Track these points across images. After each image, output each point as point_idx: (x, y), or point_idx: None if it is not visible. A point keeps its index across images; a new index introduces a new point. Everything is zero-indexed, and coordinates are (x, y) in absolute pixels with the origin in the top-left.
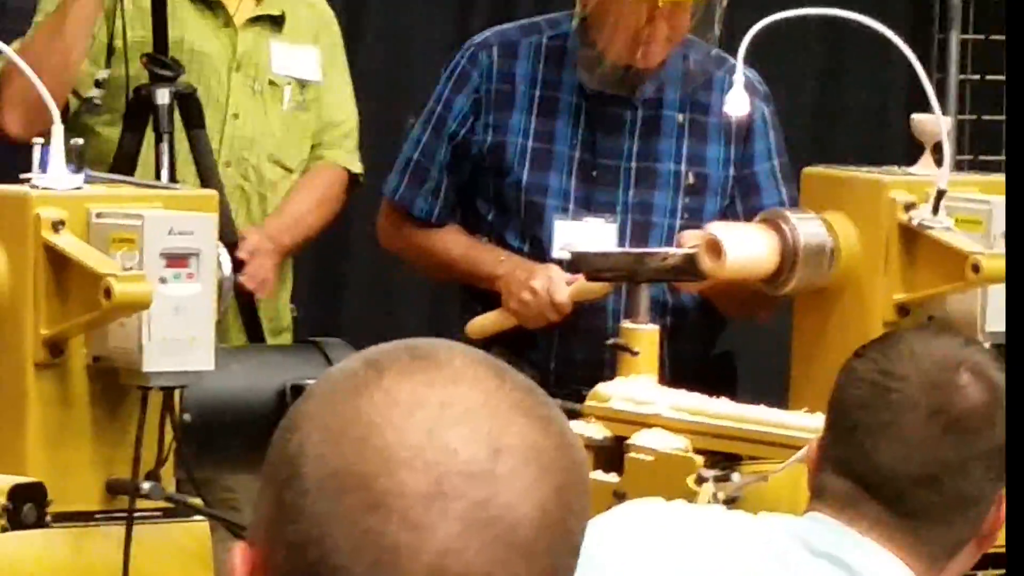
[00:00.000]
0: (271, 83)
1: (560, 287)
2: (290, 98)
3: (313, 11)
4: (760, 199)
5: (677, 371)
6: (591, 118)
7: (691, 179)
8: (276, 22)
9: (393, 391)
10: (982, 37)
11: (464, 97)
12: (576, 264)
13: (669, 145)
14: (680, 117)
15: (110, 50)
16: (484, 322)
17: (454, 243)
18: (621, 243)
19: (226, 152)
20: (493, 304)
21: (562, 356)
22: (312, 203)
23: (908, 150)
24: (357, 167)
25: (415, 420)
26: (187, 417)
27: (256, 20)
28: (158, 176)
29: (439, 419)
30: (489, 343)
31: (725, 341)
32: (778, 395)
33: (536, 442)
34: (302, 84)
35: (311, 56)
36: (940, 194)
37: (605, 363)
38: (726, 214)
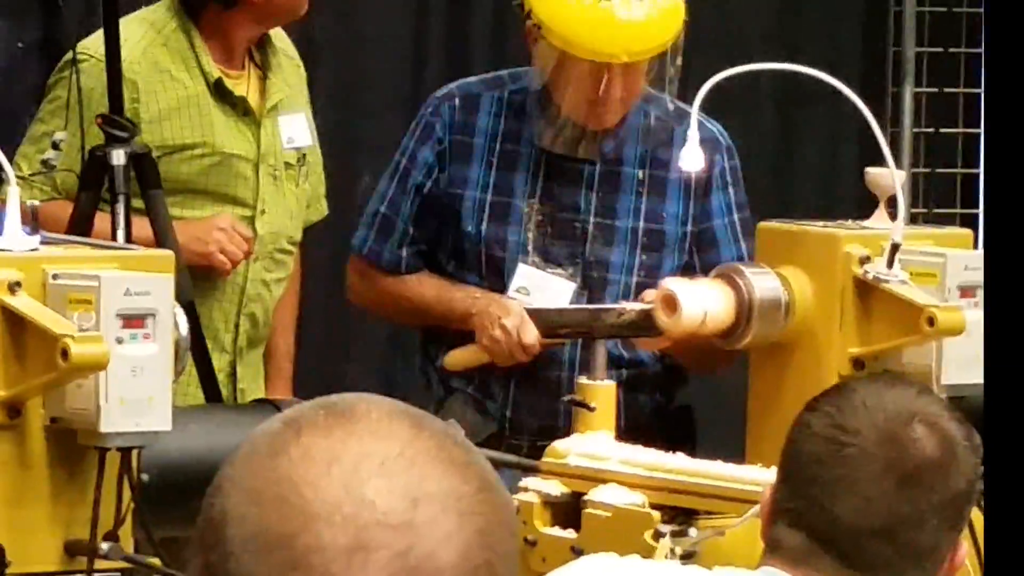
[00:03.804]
0: (286, 164)
1: (530, 328)
2: (301, 173)
3: (292, 64)
4: (718, 254)
5: (633, 422)
6: (550, 171)
7: (647, 237)
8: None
9: (310, 448)
10: (936, 90)
11: (428, 149)
12: (534, 322)
13: (628, 201)
14: (640, 173)
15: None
16: (460, 356)
17: (427, 286)
18: (579, 299)
19: (256, 249)
20: (453, 345)
21: (518, 404)
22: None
23: (862, 204)
24: (324, 211)
25: (332, 476)
26: (145, 477)
27: (270, 110)
28: (114, 237)
29: (356, 473)
30: (450, 390)
31: (685, 395)
32: (738, 450)
33: (455, 488)
34: (304, 154)
35: (303, 121)
36: (895, 247)
37: (560, 412)
38: (685, 271)
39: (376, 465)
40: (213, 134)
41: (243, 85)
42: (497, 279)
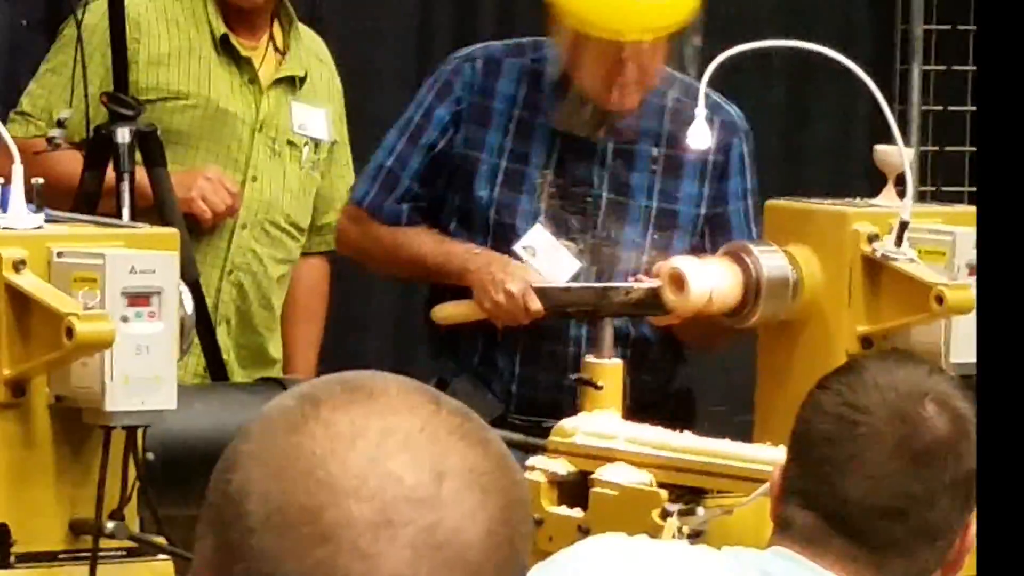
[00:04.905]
0: (290, 143)
1: (535, 295)
2: (307, 157)
3: (326, 70)
4: (730, 238)
5: (638, 403)
6: (566, 144)
7: (661, 216)
8: (296, 82)
9: (332, 423)
10: (944, 68)
11: (445, 108)
12: (539, 299)
13: (642, 179)
14: (656, 152)
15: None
16: (451, 310)
17: (424, 237)
18: (585, 276)
19: (243, 214)
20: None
21: (524, 379)
22: (317, 335)
23: (871, 181)
24: None
25: (357, 450)
26: (150, 456)
27: (280, 81)
28: (119, 215)
29: (380, 447)
30: (453, 373)
31: (686, 377)
32: (736, 434)
33: (477, 465)
34: (317, 144)
35: (323, 117)
36: (903, 225)
37: (565, 388)
38: (695, 252)
39: (400, 439)
40: (209, 87)
41: (258, 55)
42: (504, 245)
